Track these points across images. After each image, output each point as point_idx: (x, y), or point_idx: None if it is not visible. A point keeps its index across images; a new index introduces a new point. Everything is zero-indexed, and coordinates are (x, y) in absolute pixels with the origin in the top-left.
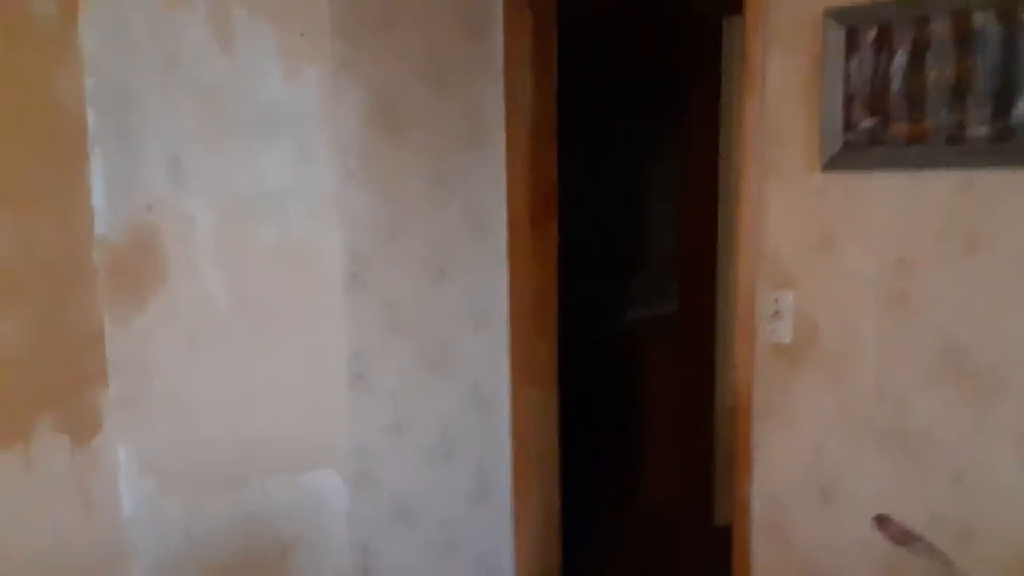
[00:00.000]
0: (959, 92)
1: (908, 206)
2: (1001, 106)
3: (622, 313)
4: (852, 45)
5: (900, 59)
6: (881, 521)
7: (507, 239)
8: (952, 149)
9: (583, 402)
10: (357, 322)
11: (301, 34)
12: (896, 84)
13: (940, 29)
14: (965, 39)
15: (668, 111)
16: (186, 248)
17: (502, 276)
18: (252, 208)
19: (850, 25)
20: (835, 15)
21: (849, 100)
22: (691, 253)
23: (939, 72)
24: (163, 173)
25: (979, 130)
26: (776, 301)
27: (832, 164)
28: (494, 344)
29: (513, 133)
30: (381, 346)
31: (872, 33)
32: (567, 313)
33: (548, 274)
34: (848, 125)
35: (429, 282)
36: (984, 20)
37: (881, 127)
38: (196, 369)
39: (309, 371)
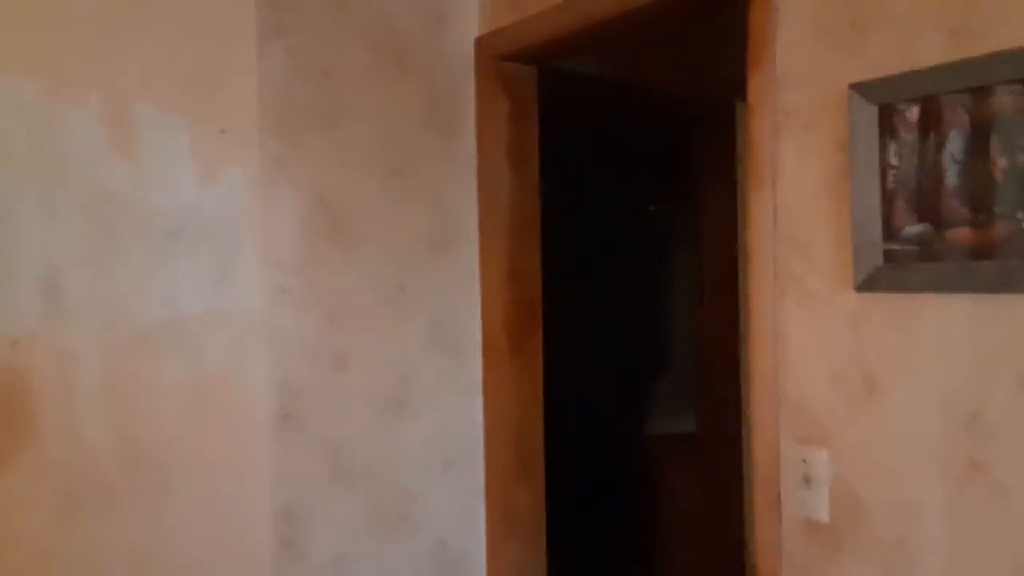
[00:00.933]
0: None
1: (980, 341)
2: None
3: (638, 428)
4: (888, 127)
5: (955, 144)
6: None
7: (482, 362)
8: None
9: (585, 549)
10: (287, 473)
11: (222, 131)
12: (951, 177)
13: (1009, 101)
14: None
15: (684, 202)
16: (63, 394)
17: (476, 407)
18: (154, 339)
19: (884, 103)
20: (863, 90)
21: (888, 199)
22: (710, 366)
23: (1011, 159)
24: (35, 300)
25: None
26: (805, 462)
27: (870, 283)
28: (466, 491)
29: (488, 236)
30: (319, 502)
31: (914, 111)
32: (567, 438)
33: (532, 401)
34: (889, 232)
35: (385, 418)
36: None
37: (934, 235)
38: (70, 543)
39: (221, 540)
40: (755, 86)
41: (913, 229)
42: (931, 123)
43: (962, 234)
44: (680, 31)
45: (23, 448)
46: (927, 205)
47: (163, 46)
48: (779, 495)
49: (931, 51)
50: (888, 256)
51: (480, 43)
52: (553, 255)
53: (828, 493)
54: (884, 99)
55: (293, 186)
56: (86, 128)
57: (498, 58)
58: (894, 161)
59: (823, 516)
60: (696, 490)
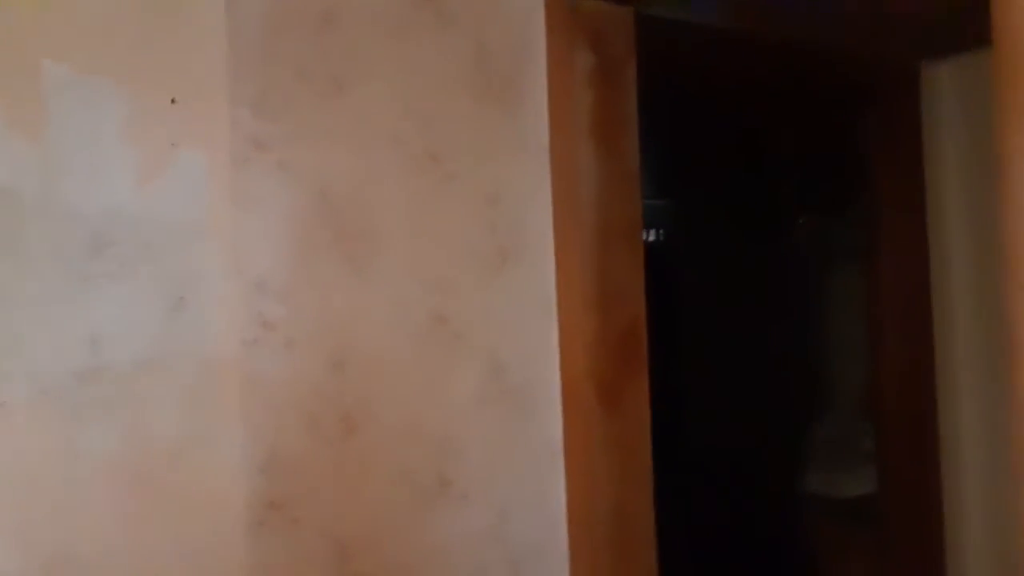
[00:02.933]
0: None
1: None
2: None
3: (787, 488)
4: None
5: None
6: None
7: (562, 423)
8: None
9: None
10: None
11: (172, 100)
12: None
13: None
14: None
15: (845, 209)
16: None
17: (554, 486)
18: (69, 398)
19: None
20: None
21: None
22: (895, 417)
23: None
24: None
25: None
26: None
27: None
28: None
29: (567, 245)
30: None
31: None
32: (687, 510)
33: (635, 474)
34: None
35: (418, 505)
36: None
37: None
38: None
39: None
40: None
41: None
42: None
43: None
44: None
45: None
46: None
47: None
48: None
49: None
50: None
51: None
52: (662, 271)
53: None
54: None
55: (281, 176)
56: None
57: None
58: None
59: None
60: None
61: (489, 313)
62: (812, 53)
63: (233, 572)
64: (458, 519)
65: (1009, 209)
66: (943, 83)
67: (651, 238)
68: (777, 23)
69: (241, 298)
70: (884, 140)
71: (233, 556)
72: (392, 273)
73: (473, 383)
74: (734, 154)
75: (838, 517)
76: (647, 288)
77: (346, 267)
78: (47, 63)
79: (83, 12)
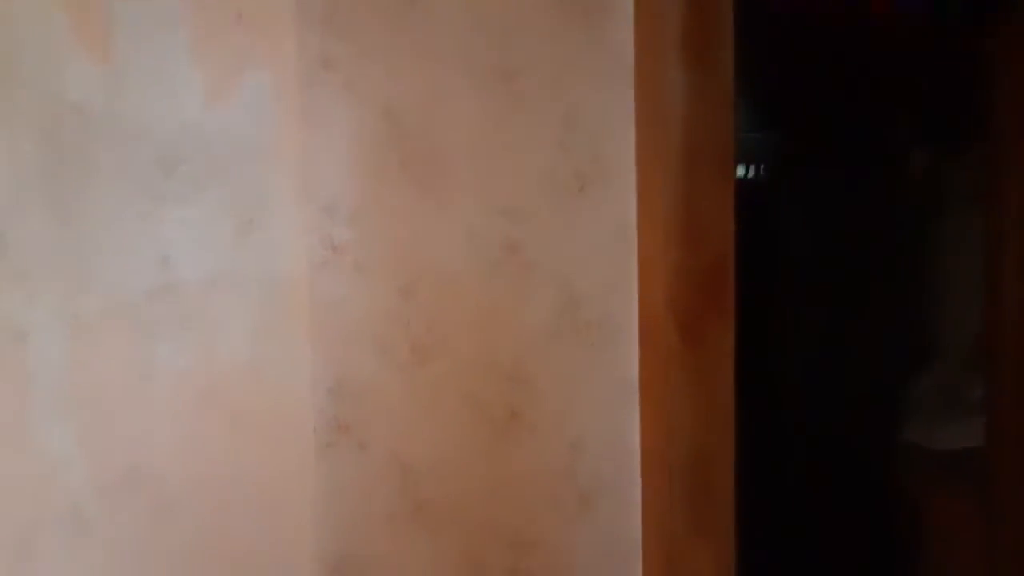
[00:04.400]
0: None
1: None
2: None
3: (889, 438)
4: None
5: None
6: None
7: (639, 359)
8: None
9: None
10: (341, 510)
11: (239, 16)
12: None
13: None
14: None
15: (965, 131)
16: (11, 388)
17: (628, 422)
18: (141, 315)
19: None
20: None
21: None
22: (1013, 366)
23: None
24: None
25: None
26: None
27: None
28: (611, 543)
29: (650, 170)
30: (388, 551)
31: None
32: (774, 459)
33: (716, 418)
34: None
35: (487, 433)
36: None
37: None
38: None
39: None
40: None
41: None
42: None
43: None
44: None
45: None
46: None
47: None
48: None
49: None
50: None
51: None
52: (760, 210)
53: None
54: None
55: (349, 97)
56: (40, 17)
57: None
58: None
59: None
60: (981, 534)
61: (564, 242)
62: None
63: (302, 492)
64: (527, 451)
65: None
66: None
67: (749, 174)
68: None
69: (309, 220)
70: (1010, 68)
71: (302, 477)
72: (462, 198)
73: (546, 314)
74: (842, 84)
75: (938, 470)
76: (742, 227)
77: (414, 191)
78: None
79: None
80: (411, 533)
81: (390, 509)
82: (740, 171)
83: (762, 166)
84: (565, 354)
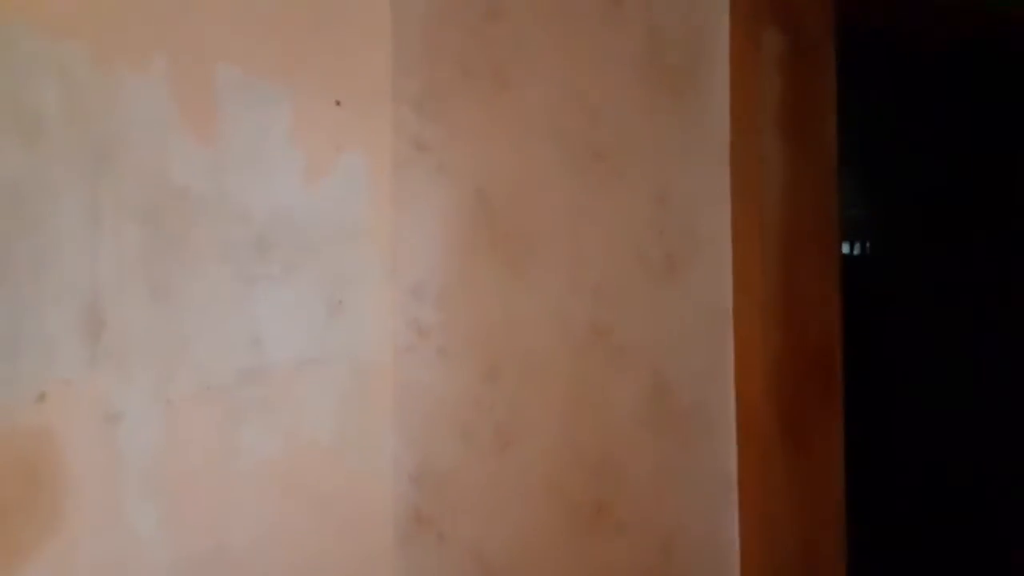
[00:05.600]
0: None
1: None
2: None
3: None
4: None
5: None
6: None
7: (737, 453)
8: None
9: None
10: None
11: (337, 103)
12: None
13: None
14: None
15: None
16: (104, 467)
17: (727, 519)
18: (231, 396)
19: None
20: None
21: None
22: None
23: None
24: (71, 338)
25: None
26: None
27: None
28: None
29: (746, 250)
30: None
31: None
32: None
33: (824, 517)
34: None
35: (575, 526)
36: None
37: None
38: None
39: None
40: None
41: None
42: None
43: None
44: None
45: (47, 540)
46: None
47: None
48: None
49: None
50: None
51: None
52: (865, 291)
53: None
54: None
55: (441, 177)
56: (149, 101)
57: None
58: None
59: None
60: None
61: (655, 325)
62: None
63: None
64: (614, 549)
65: None
66: None
67: (853, 252)
68: None
69: (397, 303)
70: None
71: (381, 566)
72: (551, 279)
73: (636, 402)
74: (953, 145)
75: None
76: (847, 309)
77: (503, 271)
78: (222, 66)
79: (254, 14)
80: None
81: None
82: (845, 248)
83: (866, 243)
84: (656, 445)
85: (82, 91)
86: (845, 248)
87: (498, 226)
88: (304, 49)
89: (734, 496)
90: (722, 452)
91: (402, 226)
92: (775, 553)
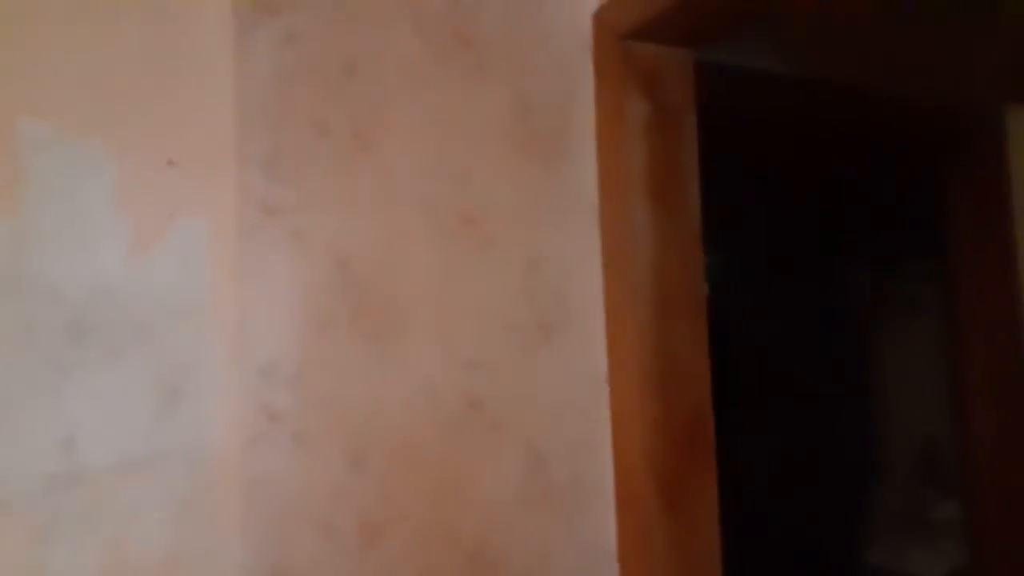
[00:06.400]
0: None
1: None
2: None
3: (853, 559)
4: None
5: None
6: None
7: (616, 525)
8: None
9: None
10: None
11: (169, 163)
12: None
13: None
14: None
15: (915, 246)
16: None
17: None
18: (37, 508)
19: None
20: None
21: None
22: (993, 489)
23: None
24: None
25: None
26: None
27: None
28: None
29: (619, 317)
30: None
31: None
32: None
33: None
34: None
35: None
36: None
37: None
38: None
39: None
40: None
41: None
42: None
43: None
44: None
45: None
46: None
47: (73, 30)
48: None
49: None
50: None
51: (601, 16)
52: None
53: None
54: None
55: (294, 246)
56: None
57: (629, 37)
58: None
59: None
60: None
61: (530, 397)
62: (886, 99)
63: None
64: None
65: None
66: None
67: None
68: (847, 68)
69: (244, 386)
70: (966, 189)
71: None
72: (419, 353)
73: (513, 479)
74: (788, 203)
75: None
76: None
77: (366, 347)
78: (23, 120)
79: (69, 64)
80: None
81: None
82: None
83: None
84: (534, 523)
85: None
86: None
87: (360, 297)
88: (131, 103)
89: (615, 570)
90: (601, 525)
91: (249, 299)
92: None
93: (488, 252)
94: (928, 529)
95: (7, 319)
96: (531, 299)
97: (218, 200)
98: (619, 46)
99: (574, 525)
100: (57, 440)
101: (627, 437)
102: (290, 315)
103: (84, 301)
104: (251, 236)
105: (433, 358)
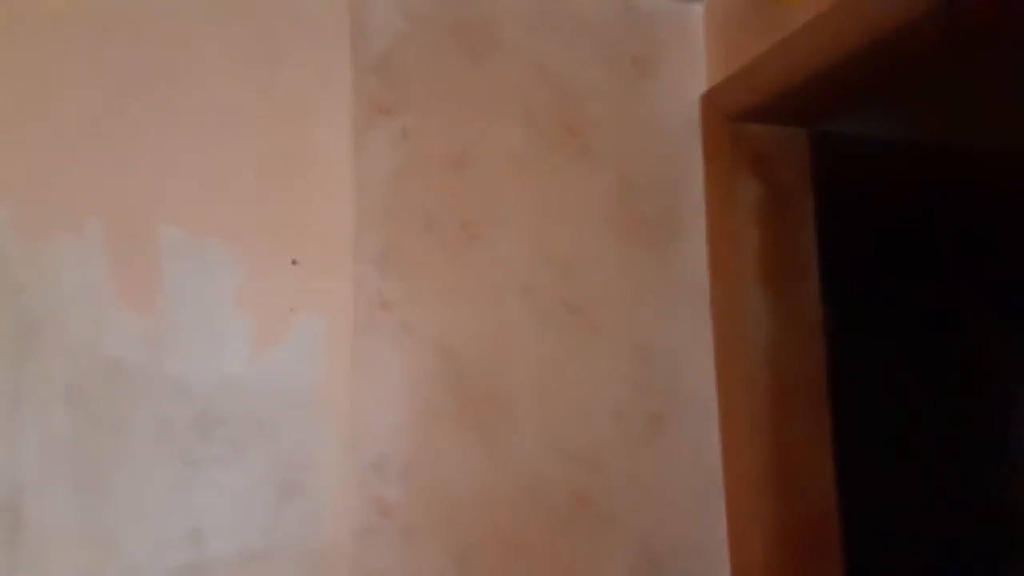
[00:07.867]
0: None
1: None
2: None
3: None
4: None
5: None
6: None
7: None
8: None
9: None
10: None
11: (294, 261)
12: None
13: None
14: None
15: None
16: None
17: None
18: None
19: None
20: None
21: None
22: None
23: None
24: None
25: None
26: None
27: None
28: None
29: (733, 411)
30: None
31: None
32: None
33: None
34: None
35: None
36: None
37: None
38: None
39: None
40: None
41: None
42: None
43: None
44: None
45: None
46: None
47: (202, 141)
48: None
49: None
50: None
51: (710, 99)
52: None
53: None
54: None
55: (405, 337)
56: (80, 268)
57: (738, 118)
58: None
59: None
60: None
61: (640, 491)
62: (1003, 157)
63: None
64: None
65: None
66: None
67: None
68: (960, 129)
69: (357, 480)
70: None
71: None
72: (525, 444)
73: (622, 573)
74: (905, 263)
75: None
76: None
77: (472, 439)
78: (162, 227)
79: (200, 173)
80: None
81: None
82: None
83: None
84: None
85: (3, 260)
86: None
87: (466, 389)
88: (258, 208)
89: None
90: None
91: (362, 393)
92: None
93: (594, 340)
94: None
95: (142, 413)
96: (640, 388)
97: (336, 296)
98: (728, 127)
99: None
100: (186, 532)
101: (744, 540)
102: (400, 408)
103: (211, 397)
104: (365, 330)
105: (539, 450)
